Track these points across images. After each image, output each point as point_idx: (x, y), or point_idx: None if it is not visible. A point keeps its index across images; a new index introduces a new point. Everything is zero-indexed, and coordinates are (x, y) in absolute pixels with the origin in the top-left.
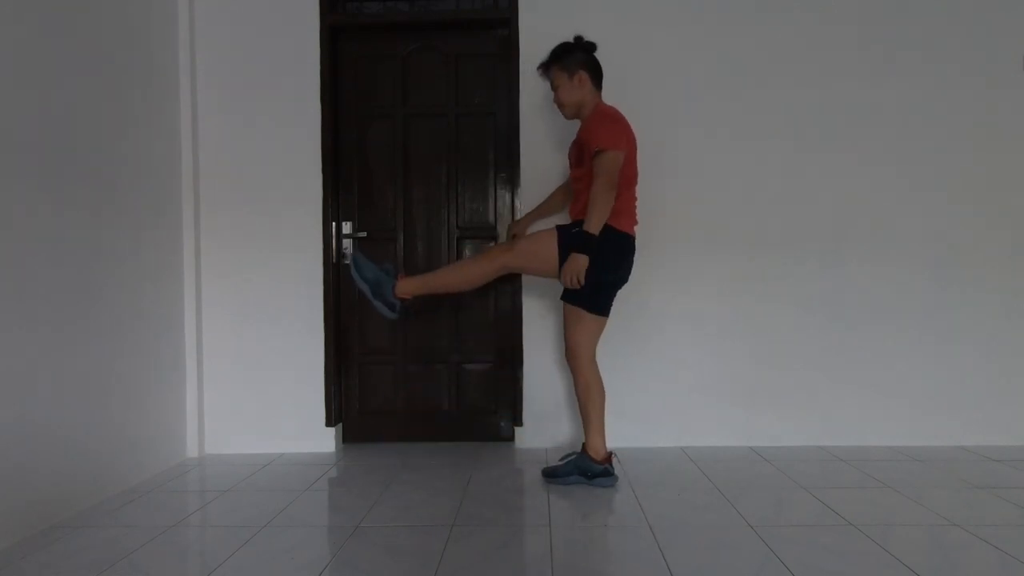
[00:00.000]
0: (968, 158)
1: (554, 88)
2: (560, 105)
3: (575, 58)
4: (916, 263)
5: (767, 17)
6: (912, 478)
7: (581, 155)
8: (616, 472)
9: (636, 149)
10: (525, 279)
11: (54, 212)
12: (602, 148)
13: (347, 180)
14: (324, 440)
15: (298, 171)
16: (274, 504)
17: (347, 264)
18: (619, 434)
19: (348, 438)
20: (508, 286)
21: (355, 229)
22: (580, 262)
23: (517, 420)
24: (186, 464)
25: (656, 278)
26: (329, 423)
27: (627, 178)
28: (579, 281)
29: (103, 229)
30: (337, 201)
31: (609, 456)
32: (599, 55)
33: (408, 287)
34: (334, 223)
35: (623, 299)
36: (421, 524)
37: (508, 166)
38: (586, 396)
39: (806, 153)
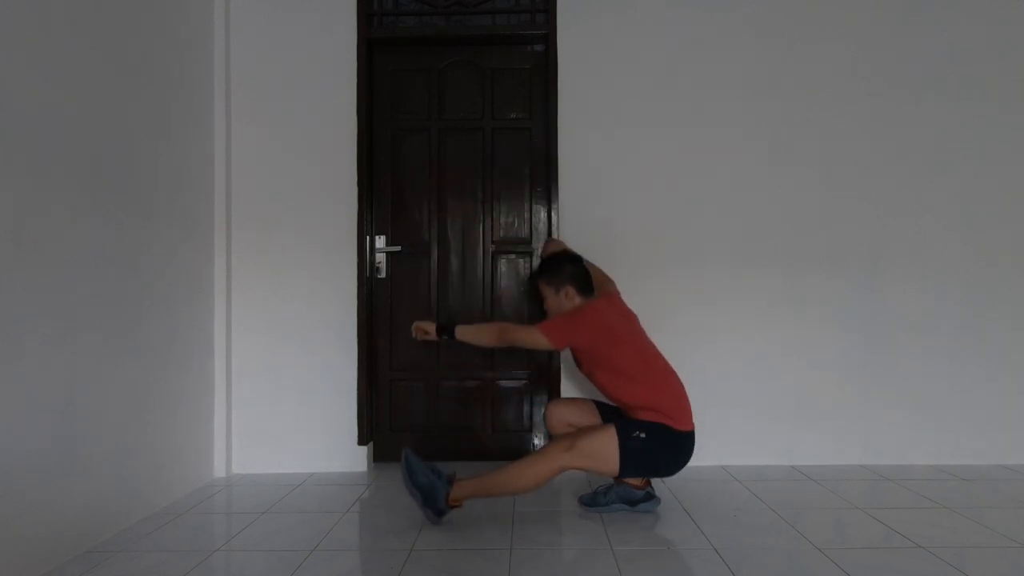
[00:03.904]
0: (1007, 172)
1: (543, 299)
2: (549, 314)
3: (561, 273)
4: (955, 281)
5: (801, 37)
6: (964, 498)
7: (576, 359)
8: (659, 492)
9: (609, 340)
10: None
11: (98, 228)
12: (541, 327)
13: (380, 193)
14: (355, 459)
15: (332, 185)
16: (318, 526)
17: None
18: None
19: (378, 456)
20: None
21: (388, 243)
22: (429, 329)
23: (552, 439)
24: (214, 484)
25: (695, 294)
26: (361, 442)
27: (628, 363)
28: (422, 333)
29: (141, 245)
30: (371, 215)
31: (647, 479)
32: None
33: (462, 493)
34: (368, 237)
35: (662, 315)
36: (478, 547)
37: (545, 181)
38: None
39: (845, 170)
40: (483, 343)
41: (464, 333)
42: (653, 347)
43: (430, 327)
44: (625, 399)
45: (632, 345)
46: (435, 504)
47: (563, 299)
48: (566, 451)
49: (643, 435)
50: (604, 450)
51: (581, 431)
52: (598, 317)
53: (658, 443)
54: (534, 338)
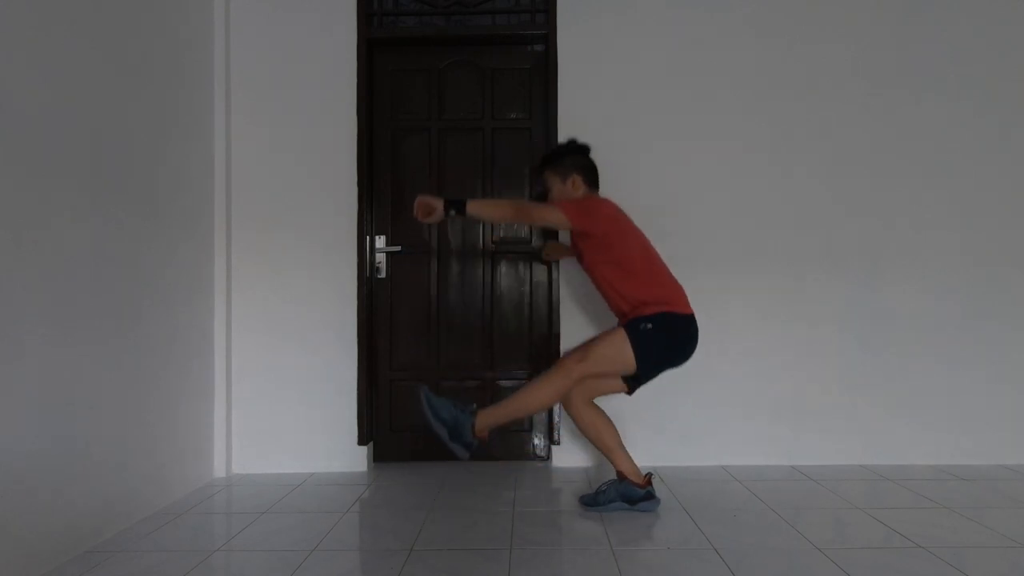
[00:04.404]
0: (1007, 172)
1: (547, 190)
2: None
3: (568, 162)
4: (955, 281)
5: (801, 37)
6: (963, 498)
7: (578, 249)
8: (659, 492)
9: (619, 232)
10: (563, 292)
11: (98, 228)
12: (559, 205)
13: (380, 193)
14: (355, 459)
15: (332, 185)
16: (318, 526)
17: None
18: (659, 452)
19: (378, 456)
20: (543, 300)
21: (388, 243)
22: (436, 205)
23: (553, 438)
24: (214, 484)
25: (694, 294)
26: (362, 442)
27: (634, 257)
28: (426, 212)
29: (142, 245)
30: (371, 215)
31: (648, 478)
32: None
33: (486, 422)
34: (368, 237)
35: None
36: (477, 547)
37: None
38: (593, 431)
39: (844, 171)
40: (497, 217)
41: (477, 207)
42: (653, 247)
43: (437, 203)
44: (626, 293)
45: (638, 240)
46: (462, 438)
47: (570, 188)
48: (580, 361)
49: (650, 325)
50: (617, 350)
51: (589, 341)
52: (611, 208)
53: (666, 329)
54: (553, 215)
